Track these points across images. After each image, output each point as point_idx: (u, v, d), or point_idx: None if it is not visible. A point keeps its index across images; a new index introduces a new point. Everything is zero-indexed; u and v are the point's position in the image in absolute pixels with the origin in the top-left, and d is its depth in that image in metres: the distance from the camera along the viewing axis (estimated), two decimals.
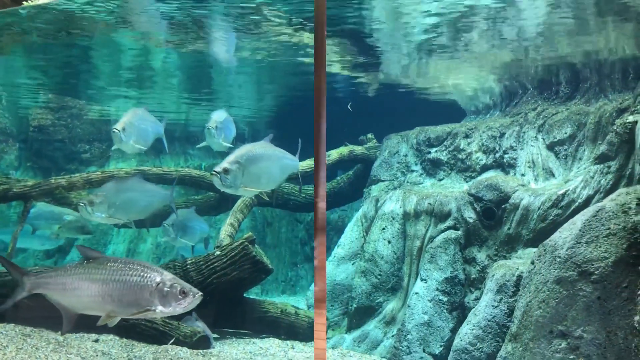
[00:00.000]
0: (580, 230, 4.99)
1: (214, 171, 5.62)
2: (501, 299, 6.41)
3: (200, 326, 7.38)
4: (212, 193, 10.72)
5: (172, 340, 7.19)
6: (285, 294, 13.60)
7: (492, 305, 6.45)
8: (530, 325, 5.02)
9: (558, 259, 5.00)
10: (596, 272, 4.76)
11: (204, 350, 7.21)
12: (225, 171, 5.59)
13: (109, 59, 11.35)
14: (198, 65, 11.31)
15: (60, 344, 6.88)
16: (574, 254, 4.92)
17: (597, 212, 5.01)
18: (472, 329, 6.46)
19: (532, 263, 5.31)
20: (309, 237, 13.90)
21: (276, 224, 13.66)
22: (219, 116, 8.02)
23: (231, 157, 5.77)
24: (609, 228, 4.87)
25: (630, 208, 4.82)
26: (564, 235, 5.11)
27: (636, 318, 4.28)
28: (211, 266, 8.03)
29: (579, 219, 5.12)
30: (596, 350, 4.64)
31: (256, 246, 8.51)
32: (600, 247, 4.82)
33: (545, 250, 5.21)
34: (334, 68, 11.22)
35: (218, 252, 8.18)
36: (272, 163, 6.19)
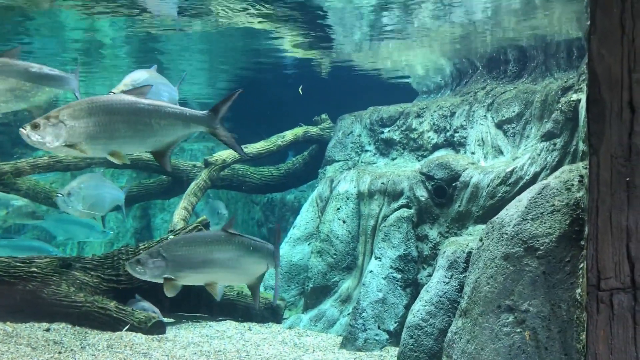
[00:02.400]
0: (526, 207, 5.13)
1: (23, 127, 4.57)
2: (452, 275, 6.57)
3: (146, 306, 7.34)
4: (164, 177, 10.58)
5: (126, 327, 7.11)
6: None
7: (444, 282, 6.60)
8: (479, 301, 5.16)
9: (505, 236, 5.15)
10: (541, 247, 4.92)
11: (160, 336, 7.17)
12: (35, 127, 4.50)
13: (53, 38, 10.98)
14: (145, 40, 11.03)
15: (9, 334, 6.72)
16: (520, 231, 5.07)
17: (542, 189, 5.15)
18: (425, 306, 6.61)
19: (481, 240, 5.44)
20: (265, 219, 13.87)
21: (232, 206, 13.58)
22: (135, 77, 5.81)
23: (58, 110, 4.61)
24: (553, 205, 5.02)
25: (573, 185, 4.98)
26: (511, 212, 5.25)
27: (578, 291, 4.45)
28: None
29: (524, 197, 5.26)
30: (541, 323, 4.81)
31: (211, 229, 8.46)
32: (545, 223, 4.97)
33: (493, 227, 5.34)
34: (286, 47, 11.13)
35: (172, 236, 8.08)
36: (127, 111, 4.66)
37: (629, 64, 3.41)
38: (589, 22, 3.57)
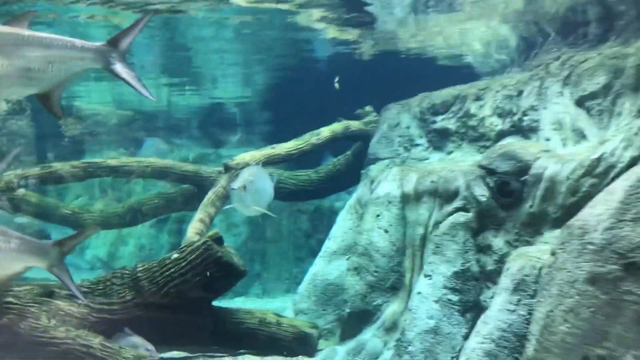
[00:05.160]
0: (621, 202, 3.57)
1: None
2: (519, 301, 5.23)
3: (138, 342, 6.13)
4: (186, 185, 9.58)
5: None
6: (290, 292, 12.48)
7: (508, 310, 5.27)
8: (553, 348, 3.57)
9: (590, 247, 3.61)
10: None
11: None
12: None
13: None
14: (174, 43, 10.22)
15: None
16: (614, 239, 3.57)
17: None
18: (482, 343, 5.25)
19: (554, 254, 3.85)
20: (313, 229, 12.72)
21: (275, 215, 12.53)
22: None
23: None
24: None
25: None
26: (598, 210, 3.69)
27: None
28: (167, 273, 6.73)
29: (618, 187, 3.71)
30: None
31: (225, 245, 7.21)
32: None
33: (571, 234, 3.77)
34: (322, 29, 9.91)
35: (176, 255, 6.89)
36: None
37: None
38: None
